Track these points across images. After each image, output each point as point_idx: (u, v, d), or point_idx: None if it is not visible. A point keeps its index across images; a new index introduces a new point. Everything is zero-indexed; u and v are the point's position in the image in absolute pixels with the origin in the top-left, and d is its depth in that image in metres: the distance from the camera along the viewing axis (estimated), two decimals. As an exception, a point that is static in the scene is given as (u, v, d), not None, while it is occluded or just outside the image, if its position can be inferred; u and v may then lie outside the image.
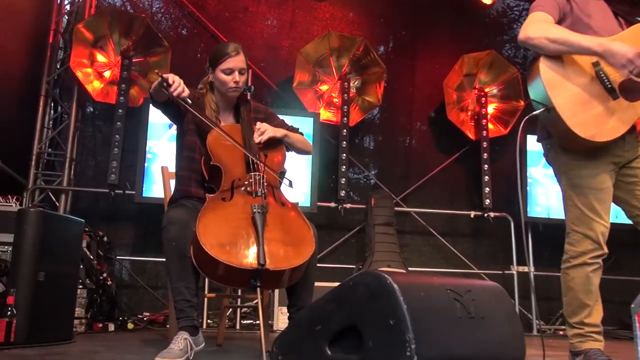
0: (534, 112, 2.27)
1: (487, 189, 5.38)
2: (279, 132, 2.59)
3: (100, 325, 3.95)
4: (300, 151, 2.71)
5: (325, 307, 1.67)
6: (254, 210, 2.20)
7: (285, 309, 4.37)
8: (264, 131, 2.51)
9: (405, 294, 1.51)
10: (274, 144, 2.57)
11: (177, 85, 2.28)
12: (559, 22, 2.35)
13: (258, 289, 2.10)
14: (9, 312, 2.57)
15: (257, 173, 2.38)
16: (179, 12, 5.47)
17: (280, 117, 2.80)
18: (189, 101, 2.32)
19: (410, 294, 1.53)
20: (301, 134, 2.75)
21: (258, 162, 2.40)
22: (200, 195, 2.45)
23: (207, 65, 2.62)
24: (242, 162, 2.44)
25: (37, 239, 2.71)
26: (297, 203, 2.44)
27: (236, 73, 2.54)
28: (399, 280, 1.54)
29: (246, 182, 2.35)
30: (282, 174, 2.52)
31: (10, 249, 3.06)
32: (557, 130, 2.27)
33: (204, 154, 2.47)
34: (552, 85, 2.21)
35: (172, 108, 2.48)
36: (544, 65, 2.24)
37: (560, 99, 2.20)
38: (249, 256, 2.10)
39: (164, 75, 2.28)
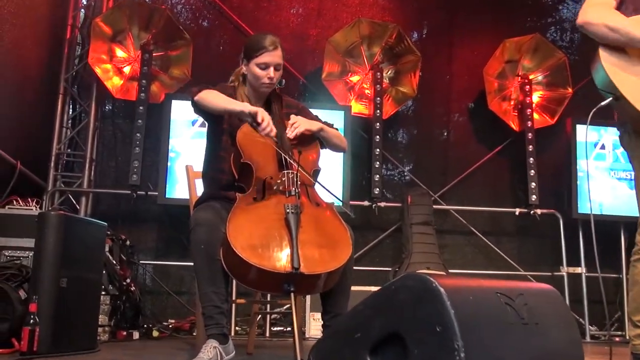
0: (603, 103, 2.25)
1: (533, 184, 5.29)
2: (313, 125, 2.58)
3: (124, 333, 4.00)
4: (336, 147, 2.69)
5: (364, 314, 1.66)
6: (287, 210, 2.20)
7: (317, 315, 4.38)
8: (297, 125, 2.50)
9: (452, 298, 1.48)
10: (308, 140, 2.57)
11: (266, 125, 2.32)
12: (618, 6, 2.32)
13: (292, 295, 2.10)
14: (31, 321, 2.61)
15: (290, 171, 2.38)
16: (200, 2, 5.51)
17: (310, 110, 2.79)
18: (276, 139, 2.36)
19: (458, 298, 1.51)
20: (336, 129, 2.74)
21: (291, 159, 2.40)
22: (230, 195, 2.46)
23: (240, 55, 2.63)
24: (274, 160, 2.44)
25: (59, 244, 2.75)
26: (333, 203, 2.43)
27: (272, 69, 2.54)
28: (445, 283, 1.51)
29: (279, 181, 2.36)
30: (316, 172, 2.52)
31: (31, 254, 3.11)
32: (629, 116, 2.28)
33: (233, 152, 2.48)
34: (615, 71, 2.22)
35: (215, 115, 2.49)
36: (604, 53, 2.25)
37: (626, 85, 2.20)
38: (283, 259, 2.10)
39: (252, 111, 2.32)
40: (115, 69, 5.07)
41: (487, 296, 1.61)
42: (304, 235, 2.17)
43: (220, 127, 2.57)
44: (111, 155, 5.28)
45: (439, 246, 5.12)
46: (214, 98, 2.42)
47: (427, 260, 4.91)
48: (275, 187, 2.35)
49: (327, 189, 2.41)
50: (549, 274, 5.39)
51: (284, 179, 2.36)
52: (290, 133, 2.46)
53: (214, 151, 2.60)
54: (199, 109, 2.47)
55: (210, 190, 2.56)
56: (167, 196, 4.73)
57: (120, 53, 5.08)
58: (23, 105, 4.45)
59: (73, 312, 2.81)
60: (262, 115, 2.30)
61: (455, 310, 1.46)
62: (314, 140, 2.60)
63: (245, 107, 2.35)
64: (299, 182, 2.34)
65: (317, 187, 2.50)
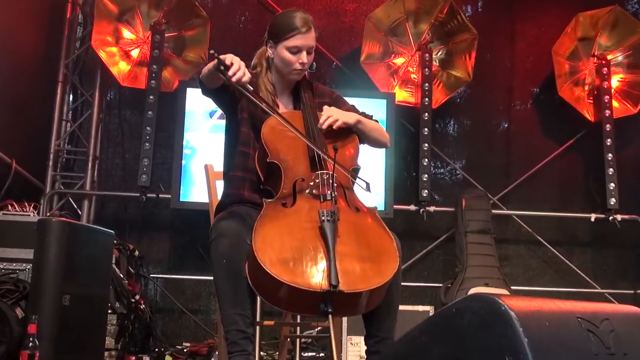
0: None
1: (612, 184, 5.20)
2: (350, 118, 2.56)
3: (133, 357, 4.05)
4: (376, 142, 2.68)
5: (420, 341, 1.64)
6: (323, 217, 2.19)
7: (356, 339, 4.36)
8: (333, 118, 2.49)
9: (525, 323, 1.46)
10: (345, 134, 2.55)
11: (237, 68, 2.29)
12: None
13: (330, 316, 2.09)
14: (30, 344, 2.66)
15: (324, 171, 2.36)
16: (218, -26, 5.57)
17: (345, 99, 2.79)
18: (251, 88, 2.33)
19: (532, 323, 1.48)
20: (376, 121, 2.73)
21: (326, 157, 2.39)
22: (256, 200, 2.46)
23: (264, 36, 2.63)
24: (305, 158, 2.43)
25: (62, 256, 2.80)
26: (375, 208, 2.41)
27: (304, 53, 2.54)
28: (517, 306, 1.49)
29: (311, 183, 2.34)
30: (355, 171, 2.50)
31: (29, 267, 3.16)
32: None
33: (258, 149, 2.48)
34: None
35: (227, 95, 2.50)
36: None
37: None
38: (318, 275, 2.09)
39: (221, 57, 2.29)
40: (122, 52, 5.14)
41: (566, 322, 1.58)
42: (342, 246, 2.15)
43: (237, 116, 2.58)
44: (117, 152, 5.34)
45: (499, 258, 5.07)
46: (205, 68, 2.43)
47: (485, 275, 4.86)
48: (307, 191, 2.34)
49: (344, 169, 2.39)
50: (632, 291, 5.31)
51: (317, 180, 2.34)
52: (324, 124, 2.47)
53: (232, 146, 2.60)
54: (205, 88, 2.48)
55: (233, 193, 2.56)
56: (181, 199, 4.77)
57: (127, 34, 5.14)
58: (17, 95, 4.53)
59: (77, 333, 2.86)
60: (231, 59, 2.29)
61: (529, 338, 1.44)
62: (351, 133, 2.58)
63: (215, 54, 2.32)
64: (335, 184, 2.32)
65: (356, 188, 2.48)
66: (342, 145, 2.49)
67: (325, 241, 2.14)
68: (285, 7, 2.87)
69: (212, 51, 2.31)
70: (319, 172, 2.37)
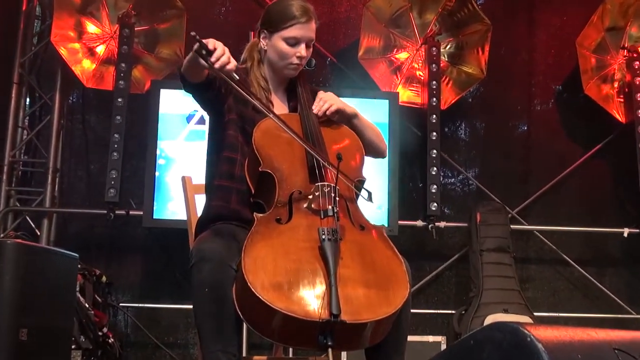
0: None
1: (648, 194, 5.22)
2: (347, 107, 2.61)
3: (101, 399, 4.02)
4: (372, 146, 2.70)
5: (433, 378, 1.64)
6: (323, 236, 2.18)
7: (357, 375, 4.35)
8: (327, 104, 2.52)
9: (554, 356, 1.45)
10: (349, 138, 2.58)
11: (221, 53, 2.27)
12: None
13: (329, 350, 2.07)
14: (-18, 386, 2.63)
15: (325, 183, 2.36)
16: (195, -42, 5.57)
17: (342, 99, 2.81)
18: (236, 77, 2.32)
19: (562, 356, 1.48)
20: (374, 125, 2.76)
21: (329, 166, 2.38)
22: (244, 215, 2.44)
23: (257, 25, 2.65)
24: (303, 168, 2.43)
25: (18, 283, 2.78)
26: (383, 226, 2.41)
27: (302, 45, 2.56)
28: (545, 336, 1.48)
29: (310, 197, 2.33)
30: (360, 183, 2.49)
31: (-21, 296, 3.13)
32: None
33: (248, 156, 2.47)
34: None
35: (212, 92, 2.49)
36: None
37: None
38: (317, 302, 2.07)
39: (203, 40, 2.28)
40: (85, 49, 5.13)
41: (601, 354, 1.57)
42: (345, 270, 2.14)
43: (223, 118, 2.57)
44: (81, 163, 5.33)
45: (520, 280, 5.06)
46: (186, 59, 2.41)
47: (504, 299, 4.85)
48: (306, 205, 2.32)
49: (349, 180, 2.39)
50: (672, 317, 5.30)
51: (317, 193, 2.32)
52: (319, 109, 2.51)
53: (216, 152, 2.59)
54: (187, 82, 2.46)
55: (217, 206, 2.55)
56: (155, 217, 4.76)
57: (92, 28, 5.13)
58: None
59: (36, 373, 2.83)
60: (214, 43, 2.26)
61: (560, 374, 1.43)
62: (356, 139, 2.60)
63: (197, 36, 2.29)
64: (338, 198, 2.32)
65: (360, 202, 2.48)
66: (347, 152, 2.48)
67: (326, 263, 2.13)
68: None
69: (193, 33, 2.27)
70: (319, 183, 2.35)
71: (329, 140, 2.53)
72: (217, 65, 2.26)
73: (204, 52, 2.24)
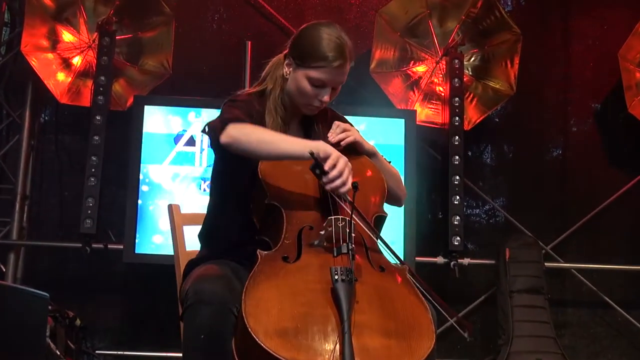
0: None
1: (703, 228, 5.20)
2: (366, 143, 2.59)
3: None
4: (389, 193, 2.67)
5: None
6: (336, 277, 2.14)
7: None
8: (345, 133, 2.51)
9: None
10: (367, 169, 2.57)
11: (336, 175, 2.25)
12: None
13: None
14: None
15: (340, 217, 2.35)
16: (186, -42, 5.60)
17: (350, 119, 2.81)
18: (349, 199, 2.30)
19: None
20: (394, 168, 2.74)
21: (343, 200, 2.37)
22: (246, 251, 2.42)
23: (286, 47, 2.60)
24: (315, 200, 2.42)
25: (-20, 326, 2.76)
26: (407, 267, 2.38)
27: (328, 89, 2.52)
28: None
29: (322, 232, 2.30)
30: (379, 220, 2.49)
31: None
32: None
33: (254, 190, 2.45)
34: None
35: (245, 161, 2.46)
36: None
37: None
38: (328, 353, 2.05)
39: (319, 153, 2.26)
40: (60, 60, 5.15)
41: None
42: (361, 316, 2.10)
43: (242, 161, 2.54)
44: (53, 189, 5.32)
45: (556, 326, 5.03)
46: (260, 138, 2.34)
47: (538, 348, 4.82)
48: (317, 242, 2.29)
49: (386, 245, 2.37)
50: None
51: (330, 229, 2.30)
52: (334, 137, 2.49)
53: (224, 193, 2.61)
54: (228, 152, 2.44)
55: (217, 244, 2.55)
56: (138, 251, 4.74)
57: (67, 37, 5.15)
58: None
59: None
60: (336, 159, 2.25)
61: None
62: (377, 171, 2.59)
63: (306, 146, 2.28)
64: (353, 234, 2.30)
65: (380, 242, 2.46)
66: (366, 184, 2.47)
67: (339, 308, 2.09)
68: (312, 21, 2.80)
69: (310, 151, 2.25)
70: (332, 217, 2.33)
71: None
72: (328, 188, 2.27)
73: (317, 171, 2.26)
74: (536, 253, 5.18)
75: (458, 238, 5.07)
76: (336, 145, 2.50)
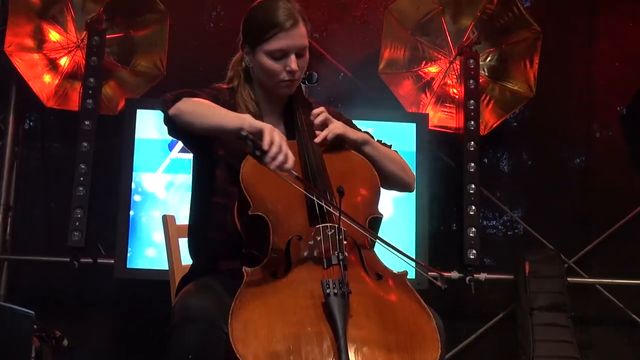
0: None
1: None
2: (354, 133, 2.60)
3: None
4: (393, 179, 2.69)
5: None
6: (328, 290, 2.13)
7: None
8: (328, 124, 2.52)
9: None
10: (358, 166, 2.57)
11: (277, 151, 2.24)
12: None
13: None
14: None
15: (328, 225, 2.34)
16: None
17: (357, 123, 2.80)
18: (295, 174, 2.29)
19: None
20: (395, 151, 2.75)
21: (329, 204, 2.36)
22: (234, 267, 2.42)
23: (239, 38, 2.64)
24: (302, 207, 2.41)
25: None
26: (406, 273, 2.38)
27: (292, 57, 2.54)
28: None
29: (311, 242, 2.30)
30: (374, 222, 2.48)
31: None
32: None
33: (237, 199, 2.46)
34: None
35: (204, 142, 2.49)
36: None
37: None
38: (323, 374, 2.05)
39: (252, 132, 2.25)
40: (46, 61, 5.15)
41: None
42: (358, 330, 2.09)
43: (211, 155, 2.56)
44: (39, 199, 5.33)
45: (580, 346, 5.00)
46: (199, 110, 2.39)
47: (561, 369, 4.82)
48: (306, 253, 2.29)
49: (391, 246, 2.36)
50: None
51: (319, 238, 2.30)
52: (318, 136, 2.50)
53: (203, 196, 2.59)
54: (177, 128, 2.46)
55: (204, 261, 2.54)
56: (130, 266, 4.75)
57: (54, 36, 5.16)
58: None
59: None
60: (271, 134, 2.26)
61: None
62: (367, 168, 2.59)
63: (243, 120, 2.31)
64: (345, 241, 2.29)
65: (377, 246, 2.46)
66: (353, 184, 2.48)
67: (333, 324, 2.08)
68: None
69: (244, 133, 2.23)
70: (320, 225, 2.33)
71: (334, 171, 2.51)
72: (272, 167, 2.24)
73: (257, 152, 2.24)
74: (558, 267, 5.17)
75: (474, 251, 5.06)
76: (322, 143, 2.52)
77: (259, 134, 2.24)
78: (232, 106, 2.56)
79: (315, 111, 2.57)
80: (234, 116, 2.37)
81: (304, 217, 2.39)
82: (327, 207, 2.35)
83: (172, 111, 2.41)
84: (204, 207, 2.59)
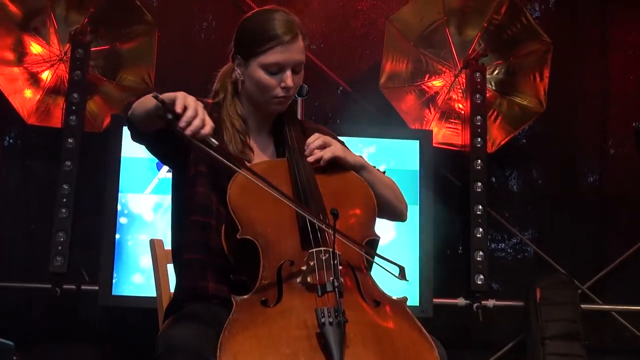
0: None
1: None
2: (349, 154, 2.61)
3: None
4: (387, 208, 2.69)
5: None
6: (323, 319, 2.12)
7: None
8: (322, 151, 2.52)
9: None
10: (352, 187, 2.57)
11: (192, 114, 2.22)
12: None
13: None
14: None
15: (322, 249, 2.34)
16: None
17: (357, 141, 2.81)
18: (215, 143, 2.26)
19: None
20: (390, 178, 2.77)
21: (324, 226, 2.36)
22: (224, 294, 2.43)
23: (230, 47, 2.64)
24: (294, 230, 2.40)
25: None
26: (405, 299, 2.38)
27: (288, 72, 2.54)
28: None
29: (304, 268, 2.29)
30: (370, 244, 2.48)
31: None
32: None
33: (225, 221, 2.46)
34: None
35: (172, 141, 2.48)
36: None
37: None
38: (319, 410, 2.05)
39: (165, 98, 2.23)
40: (27, 75, 5.16)
41: None
42: (355, 360, 2.12)
43: (189, 170, 2.56)
44: (18, 221, 5.32)
45: (595, 378, 5.02)
46: (141, 102, 2.39)
47: (574, 403, 4.82)
48: (299, 280, 2.28)
49: (352, 242, 2.36)
50: None
51: (312, 263, 2.30)
52: (311, 156, 2.51)
53: (184, 214, 2.59)
54: (137, 132, 2.46)
55: (190, 287, 2.53)
56: (115, 293, 4.73)
57: (36, 48, 5.17)
58: None
59: None
60: (183, 100, 2.22)
61: None
62: (364, 188, 2.59)
63: (159, 96, 2.24)
64: (340, 267, 2.29)
65: (373, 269, 2.46)
66: (348, 205, 2.48)
67: (328, 355, 2.08)
68: (260, 6, 2.82)
69: (154, 94, 2.23)
70: (314, 250, 2.32)
71: (328, 191, 2.51)
72: (188, 132, 2.21)
73: (170, 116, 2.21)
74: (571, 293, 5.17)
75: (481, 276, 5.05)
76: (316, 163, 2.53)
77: (172, 99, 2.22)
78: (216, 121, 2.52)
79: (311, 138, 2.57)
80: (152, 98, 2.31)
81: (296, 240, 2.38)
82: (320, 225, 2.34)
83: (129, 114, 2.42)
84: (183, 226, 2.58)
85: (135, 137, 2.50)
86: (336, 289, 2.17)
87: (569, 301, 5.12)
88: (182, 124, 2.19)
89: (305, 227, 2.38)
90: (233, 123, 2.61)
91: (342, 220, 2.31)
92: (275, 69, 2.53)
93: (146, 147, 2.56)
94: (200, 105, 2.25)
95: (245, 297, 2.27)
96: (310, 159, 2.52)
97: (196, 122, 2.20)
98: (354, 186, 2.59)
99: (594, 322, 5.39)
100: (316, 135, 2.58)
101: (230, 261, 2.44)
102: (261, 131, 2.69)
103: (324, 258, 2.28)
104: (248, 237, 2.35)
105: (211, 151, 2.28)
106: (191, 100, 2.24)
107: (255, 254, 2.34)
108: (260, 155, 2.63)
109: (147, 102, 2.33)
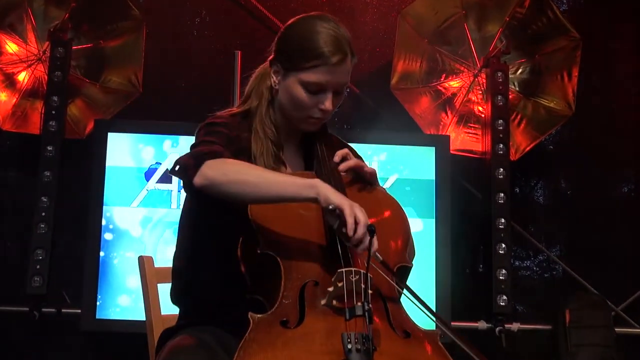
0: None
1: None
2: (376, 178, 2.64)
3: None
4: None
5: None
6: (349, 345, 2.12)
7: None
8: (355, 161, 2.54)
9: None
10: (385, 209, 2.58)
11: (362, 235, 2.23)
12: None
13: None
14: None
15: (353, 269, 2.32)
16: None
17: (367, 148, 2.81)
18: (380, 258, 2.30)
19: None
20: None
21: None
22: (237, 316, 2.39)
23: (271, 49, 2.60)
24: (320, 248, 2.40)
25: None
26: (437, 333, 2.36)
27: (329, 95, 2.51)
28: None
29: (330, 289, 2.28)
30: (402, 272, 2.48)
31: None
32: None
33: (243, 235, 2.42)
34: None
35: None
36: None
37: None
38: None
39: (333, 203, 2.24)
40: (1, 77, 5.17)
41: None
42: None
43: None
44: (-7, 238, 5.31)
45: (630, 408, 5.01)
46: (243, 179, 2.32)
47: None
48: (324, 302, 2.27)
49: (418, 299, 2.34)
50: None
51: (340, 284, 2.27)
52: (340, 158, 2.53)
53: (201, 238, 2.60)
54: (206, 196, 2.42)
55: (195, 308, 2.55)
56: (99, 316, 4.72)
57: (11, 47, 5.18)
58: None
59: None
60: (354, 210, 2.23)
61: None
62: (399, 209, 2.60)
63: (306, 187, 2.27)
64: (370, 291, 2.27)
65: (403, 299, 2.43)
66: (385, 226, 2.46)
67: (354, 386, 2.09)
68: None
69: (331, 206, 2.24)
70: (344, 269, 2.30)
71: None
72: (359, 250, 2.26)
73: (344, 230, 2.24)
74: (604, 315, 5.16)
75: (505, 297, 5.03)
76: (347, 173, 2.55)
77: (340, 208, 2.24)
78: (248, 139, 2.54)
79: (340, 152, 2.56)
80: (291, 181, 2.34)
81: (322, 258, 2.38)
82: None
83: (199, 181, 2.35)
84: (201, 250, 2.58)
85: (191, 191, 2.40)
86: (366, 314, 2.17)
87: (601, 324, 5.11)
88: (353, 242, 2.24)
89: (333, 245, 2.36)
90: (266, 132, 2.57)
91: (380, 241, 2.31)
92: (315, 89, 2.48)
93: (198, 199, 2.48)
94: (365, 217, 2.25)
95: (264, 315, 2.25)
96: (340, 167, 2.53)
97: (365, 245, 2.24)
98: (390, 206, 2.60)
99: (630, 347, 5.39)
100: (345, 150, 2.57)
101: (244, 280, 2.42)
102: (290, 143, 2.67)
103: (353, 280, 2.26)
104: (270, 252, 2.33)
105: (373, 265, 2.29)
106: (360, 211, 2.24)
107: (276, 272, 2.33)
108: (290, 168, 2.62)
109: (271, 184, 2.32)
